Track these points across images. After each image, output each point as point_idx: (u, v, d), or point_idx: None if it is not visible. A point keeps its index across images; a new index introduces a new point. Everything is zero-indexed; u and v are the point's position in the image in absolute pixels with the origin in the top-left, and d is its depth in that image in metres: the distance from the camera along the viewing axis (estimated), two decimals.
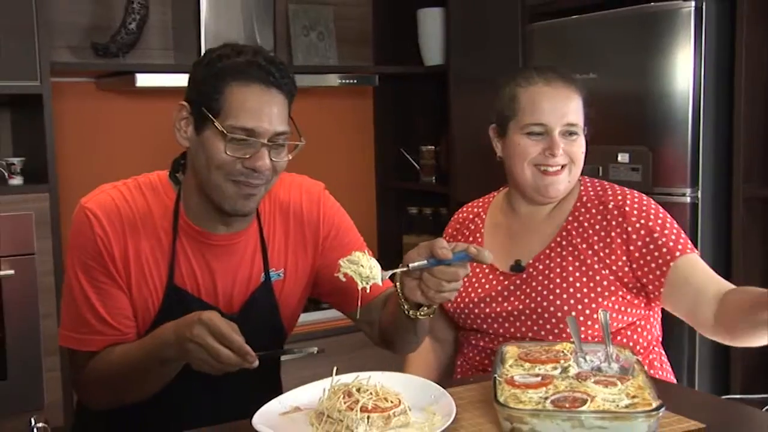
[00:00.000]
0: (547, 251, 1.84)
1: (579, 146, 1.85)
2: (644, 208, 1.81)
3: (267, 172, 1.59)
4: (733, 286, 1.69)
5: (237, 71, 1.58)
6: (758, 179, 2.50)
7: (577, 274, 1.79)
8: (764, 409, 2.36)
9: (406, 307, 1.53)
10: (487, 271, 1.90)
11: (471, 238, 1.98)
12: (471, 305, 1.87)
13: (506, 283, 1.85)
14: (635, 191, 1.87)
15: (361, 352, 2.02)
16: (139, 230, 1.65)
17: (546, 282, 1.81)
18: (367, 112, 4.04)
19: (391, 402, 1.29)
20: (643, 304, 1.80)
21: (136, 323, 1.67)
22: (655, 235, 1.76)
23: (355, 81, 3.61)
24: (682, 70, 2.52)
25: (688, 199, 2.54)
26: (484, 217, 1.99)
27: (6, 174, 2.93)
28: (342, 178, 3.88)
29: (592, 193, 1.88)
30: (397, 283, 1.51)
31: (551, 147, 1.81)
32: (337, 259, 1.57)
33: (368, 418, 1.25)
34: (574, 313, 1.73)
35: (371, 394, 1.29)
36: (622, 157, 2.67)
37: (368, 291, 1.47)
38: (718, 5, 2.50)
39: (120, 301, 1.65)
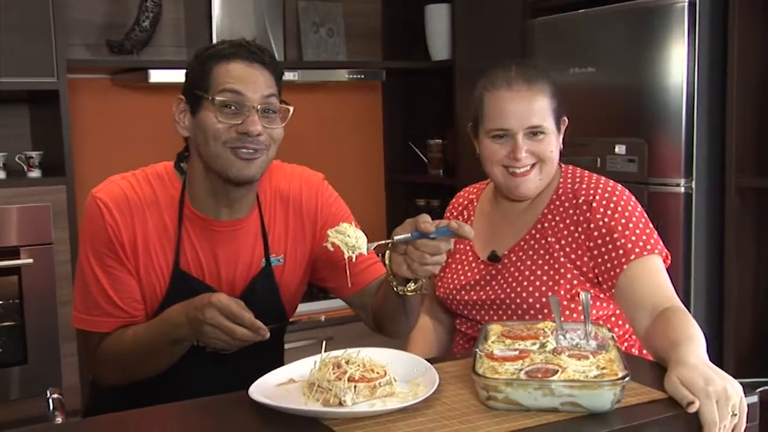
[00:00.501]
0: (522, 243, 1.90)
1: (547, 145, 1.85)
2: (611, 205, 1.82)
3: (261, 137, 1.69)
4: (674, 303, 1.68)
5: (221, 54, 1.71)
6: (750, 169, 2.58)
7: (546, 267, 1.84)
8: (756, 391, 2.46)
9: (394, 283, 1.63)
10: (470, 258, 1.98)
11: None
12: (454, 291, 1.96)
13: (484, 272, 1.93)
14: (612, 183, 1.88)
15: (367, 340, 2.12)
16: (147, 218, 1.75)
17: (516, 274, 1.87)
18: (375, 107, 4.13)
19: (377, 373, 1.39)
20: (608, 301, 1.85)
21: (144, 306, 1.78)
22: (615, 234, 1.78)
23: (363, 76, 3.69)
24: (677, 63, 2.60)
25: (683, 189, 2.62)
26: (475, 204, 2.07)
27: (25, 167, 3.04)
28: (351, 172, 3.99)
29: (569, 185, 1.90)
30: (387, 260, 1.62)
31: (514, 150, 1.84)
32: None
33: (355, 387, 1.35)
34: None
35: (359, 366, 1.39)
36: (619, 149, 2.75)
37: (354, 260, 1.56)
38: (711, 0, 2.57)
39: (129, 285, 1.75)
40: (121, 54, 3.37)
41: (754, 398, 1.42)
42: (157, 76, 3.15)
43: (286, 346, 2.01)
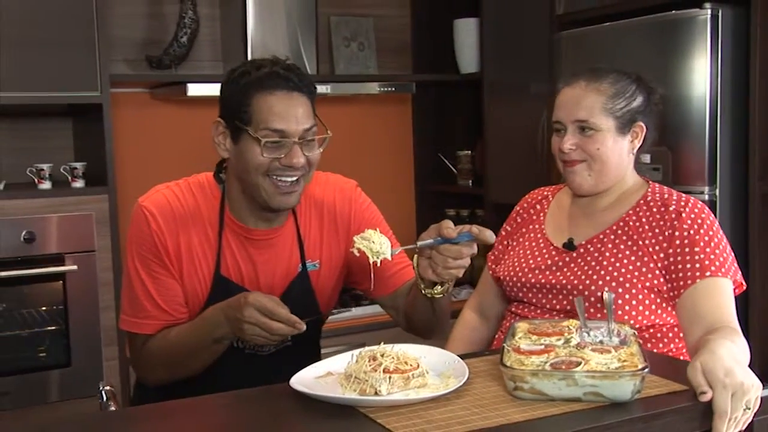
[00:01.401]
0: (601, 236, 1.97)
1: (594, 142, 1.94)
2: (699, 220, 1.88)
3: (303, 167, 1.78)
4: (732, 325, 1.75)
5: (259, 83, 1.76)
6: None
7: (625, 261, 1.90)
8: None
9: (422, 286, 1.73)
10: (541, 244, 2.05)
11: (534, 217, 2.14)
12: (520, 273, 2.03)
13: (556, 258, 2.00)
14: (701, 203, 1.94)
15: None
16: (190, 226, 1.85)
17: (594, 263, 1.93)
18: (406, 119, 4.21)
19: (411, 365, 1.48)
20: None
21: (187, 308, 1.88)
22: (696, 248, 1.85)
23: (394, 89, 3.76)
24: (700, 74, 2.66)
25: (707, 197, 2.67)
26: (551, 199, 2.15)
27: (69, 177, 3.14)
28: (383, 182, 4.06)
29: (657, 196, 1.97)
30: (415, 264, 1.71)
31: (563, 142, 1.96)
32: None
33: (390, 378, 1.44)
34: (613, 294, 1.84)
35: (393, 358, 1.48)
36: (644, 158, 2.80)
37: (378, 265, 1.66)
38: (732, 12, 2.64)
39: (173, 289, 1.86)
40: (160, 69, 3.48)
41: None
42: (194, 89, 3.24)
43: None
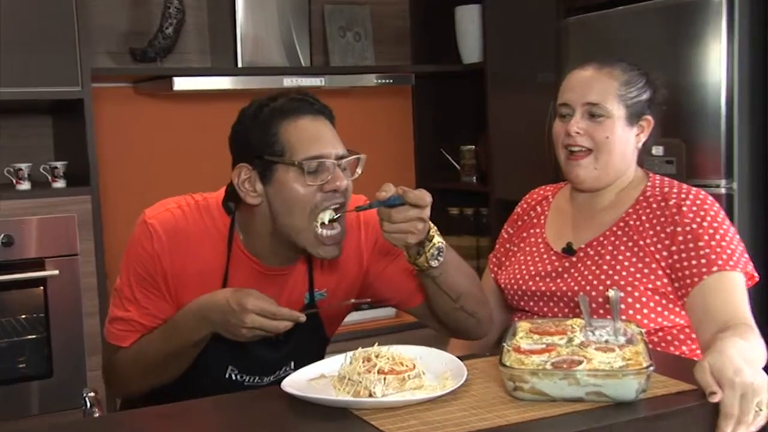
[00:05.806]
0: (601, 238, 1.99)
1: (603, 130, 1.96)
2: (702, 213, 1.90)
3: (347, 191, 1.81)
4: (747, 322, 1.77)
5: (282, 111, 1.79)
6: None
7: (627, 263, 1.93)
8: None
9: (410, 259, 1.76)
10: (542, 249, 2.08)
11: (535, 220, 2.17)
12: (521, 281, 2.06)
13: (556, 264, 2.03)
14: (704, 193, 1.96)
15: None
16: (196, 250, 1.86)
17: (594, 268, 1.96)
18: (405, 112, 4.26)
19: (406, 366, 1.52)
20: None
21: None
22: (701, 243, 1.87)
23: (392, 81, 3.81)
24: (715, 60, 2.69)
25: (723, 191, 2.70)
26: (551, 200, 2.18)
27: (49, 177, 3.17)
28: (382, 179, 4.06)
29: (657, 189, 1.99)
30: None
31: (570, 125, 1.98)
32: (386, 264, 1.87)
33: (384, 379, 1.48)
34: (621, 293, 1.86)
35: (388, 359, 1.52)
36: (656, 150, 2.83)
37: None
38: None
39: (163, 310, 1.87)
40: (144, 61, 3.52)
41: None
42: (181, 83, 3.27)
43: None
